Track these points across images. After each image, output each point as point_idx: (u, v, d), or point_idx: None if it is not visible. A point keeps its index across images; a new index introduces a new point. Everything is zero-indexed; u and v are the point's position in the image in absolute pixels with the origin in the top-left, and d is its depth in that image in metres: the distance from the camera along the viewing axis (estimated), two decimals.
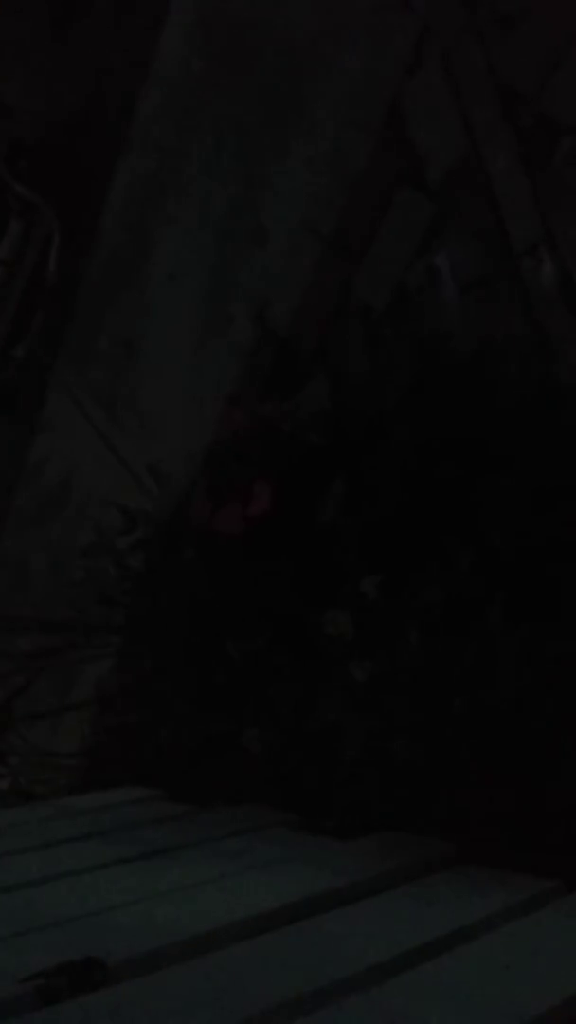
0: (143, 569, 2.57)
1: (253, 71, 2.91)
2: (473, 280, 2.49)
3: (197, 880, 1.98)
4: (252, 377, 2.84)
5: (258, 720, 2.34)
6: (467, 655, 2.11)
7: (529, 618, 2.12)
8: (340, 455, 2.34)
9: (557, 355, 2.36)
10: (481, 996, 1.58)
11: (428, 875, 2.06)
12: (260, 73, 2.89)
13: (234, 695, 2.39)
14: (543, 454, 2.23)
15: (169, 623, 2.51)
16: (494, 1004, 1.55)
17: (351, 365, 2.60)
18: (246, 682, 2.37)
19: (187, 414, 2.94)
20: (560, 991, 1.57)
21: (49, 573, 3.11)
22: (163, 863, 2.10)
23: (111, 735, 2.71)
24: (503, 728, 2.13)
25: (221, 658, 2.40)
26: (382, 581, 2.18)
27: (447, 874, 2.08)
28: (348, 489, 2.28)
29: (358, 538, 2.25)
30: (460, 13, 2.54)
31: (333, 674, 2.20)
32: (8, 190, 3.27)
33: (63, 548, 3.04)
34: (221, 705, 2.42)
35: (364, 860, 2.10)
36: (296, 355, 2.76)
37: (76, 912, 1.80)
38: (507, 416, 2.27)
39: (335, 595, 2.23)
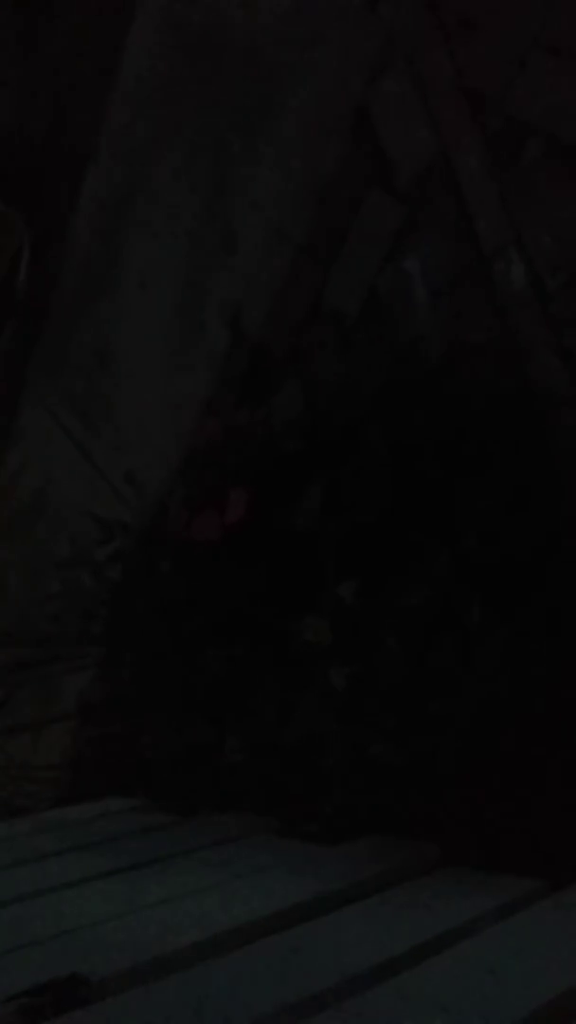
0: (121, 579, 2.56)
1: (221, 78, 2.90)
2: (444, 283, 2.50)
3: (184, 891, 1.98)
4: (227, 383, 2.83)
5: (240, 728, 2.34)
6: (446, 658, 2.11)
7: (507, 620, 2.12)
8: (315, 460, 2.34)
9: (528, 356, 2.37)
10: (468, 999, 1.58)
11: (413, 878, 2.07)
12: (228, 79, 2.89)
13: (215, 703, 2.39)
14: (517, 455, 2.24)
15: (148, 633, 2.51)
16: (481, 1007, 1.55)
17: (324, 370, 2.60)
18: (226, 690, 2.36)
19: (162, 422, 2.93)
20: (545, 992, 1.58)
21: (26, 586, 3.09)
22: (150, 874, 2.09)
23: (94, 746, 2.71)
24: (484, 729, 2.13)
25: (201, 666, 2.39)
26: (360, 586, 2.18)
27: (432, 877, 2.09)
28: (324, 494, 2.28)
29: (335, 543, 2.25)
30: (425, 17, 2.54)
31: (313, 680, 2.20)
32: None
33: (40, 560, 3.03)
34: (202, 713, 2.41)
35: (350, 865, 2.10)
36: (270, 360, 2.76)
37: (61, 928, 1.80)
38: (480, 418, 2.27)
39: (313, 601, 2.23)
